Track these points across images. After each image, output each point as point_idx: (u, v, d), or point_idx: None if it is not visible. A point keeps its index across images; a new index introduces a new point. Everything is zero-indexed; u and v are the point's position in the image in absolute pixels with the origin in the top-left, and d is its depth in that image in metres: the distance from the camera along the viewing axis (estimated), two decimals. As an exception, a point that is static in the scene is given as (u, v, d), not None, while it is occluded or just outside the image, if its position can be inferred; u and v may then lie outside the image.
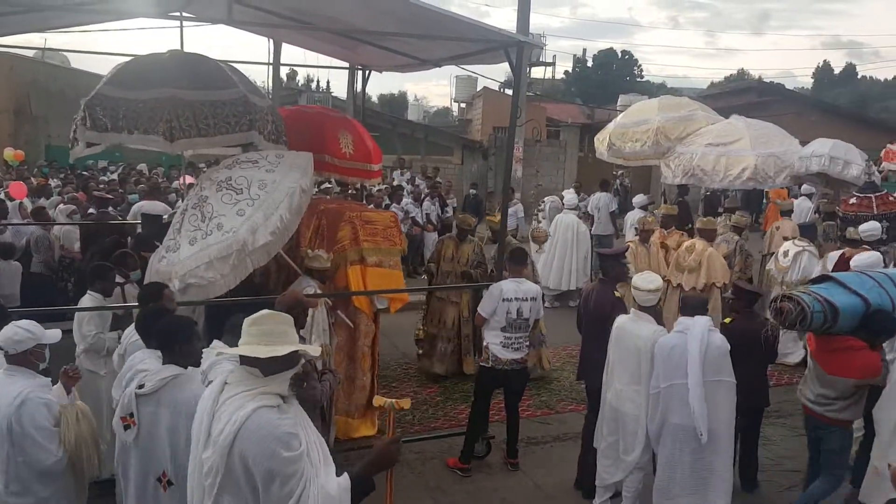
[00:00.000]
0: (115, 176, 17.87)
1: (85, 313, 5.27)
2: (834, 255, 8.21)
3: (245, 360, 2.73)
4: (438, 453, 6.35)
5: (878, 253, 6.79)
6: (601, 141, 11.04)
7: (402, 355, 8.86)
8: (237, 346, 2.75)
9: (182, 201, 7.20)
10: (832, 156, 9.94)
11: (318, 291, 5.85)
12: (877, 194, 9.18)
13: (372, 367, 6.67)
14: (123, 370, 3.93)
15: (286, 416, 2.64)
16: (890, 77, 69.52)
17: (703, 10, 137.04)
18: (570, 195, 12.04)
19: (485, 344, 6.00)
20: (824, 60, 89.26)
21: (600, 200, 13.76)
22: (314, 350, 3.04)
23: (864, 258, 6.48)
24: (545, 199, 12.96)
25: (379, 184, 16.43)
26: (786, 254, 9.16)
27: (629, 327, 5.11)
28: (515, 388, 6.10)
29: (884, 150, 13.31)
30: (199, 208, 5.30)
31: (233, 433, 2.57)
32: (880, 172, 11.13)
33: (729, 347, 4.82)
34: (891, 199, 9.34)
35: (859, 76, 71.79)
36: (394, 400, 3.80)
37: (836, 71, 72.78)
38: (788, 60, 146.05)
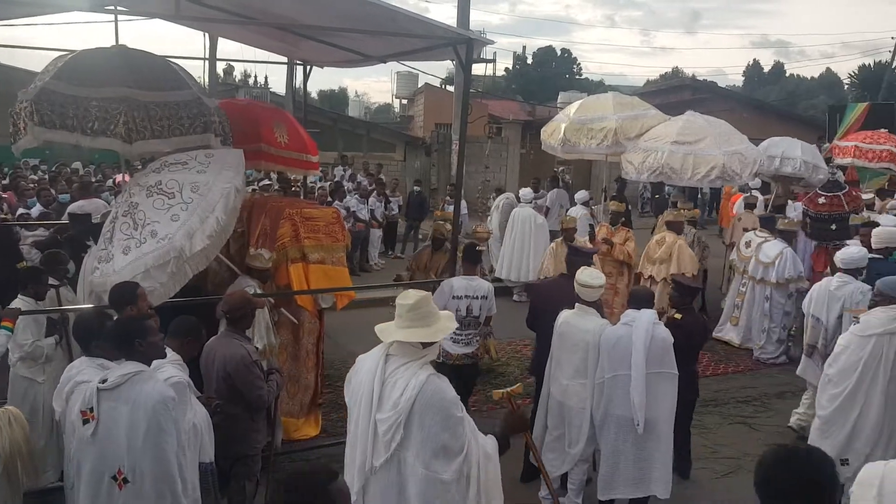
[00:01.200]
0: (45, 174, 17.20)
1: (19, 321, 5.06)
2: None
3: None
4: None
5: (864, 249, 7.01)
6: (550, 134, 11.10)
7: (347, 354, 8.78)
8: (176, 350, 3.19)
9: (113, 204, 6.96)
10: (805, 160, 10.64)
11: (259, 290, 5.76)
12: (843, 192, 9.57)
13: (316, 365, 6.60)
14: (62, 381, 3.83)
15: (448, 384, 3.16)
16: (816, 75, 72.17)
17: (638, 8, 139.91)
18: (525, 190, 12.18)
19: None
20: (754, 59, 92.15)
21: (556, 196, 14.01)
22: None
23: (852, 252, 6.69)
24: (500, 196, 13.05)
25: (321, 180, 16.37)
26: (748, 244, 9.68)
27: (574, 322, 5.16)
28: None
29: (830, 147, 13.93)
30: (131, 215, 5.10)
31: (413, 396, 3.05)
32: (834, 173, 11.85)
33: (672, 340, 4.92)
34: (854, 194, 9.89)
35: (787, 74, 74.33)
36: (508, 389, 3.92)
37: (766, 69, 75.24)
38: (720, 59, 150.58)
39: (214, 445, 3.98)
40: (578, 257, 5.96)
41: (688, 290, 5.96)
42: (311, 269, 6.31)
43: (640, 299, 5.09)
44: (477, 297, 5.91)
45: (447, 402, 3.10)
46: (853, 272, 6.49)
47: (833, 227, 9.24)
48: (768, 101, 44.08)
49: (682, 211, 9.96)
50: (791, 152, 11.02)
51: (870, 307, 5.30)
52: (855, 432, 4.91)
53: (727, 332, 9.83)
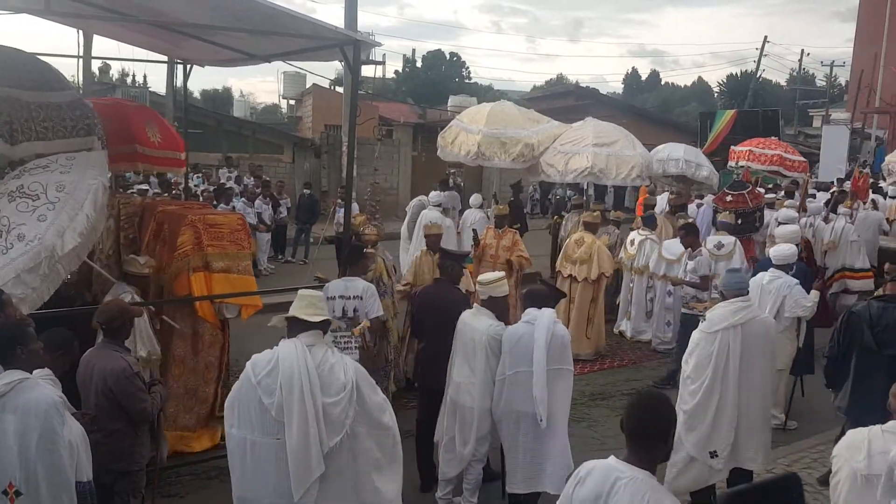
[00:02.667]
0: None
1: None
2: (712, 238, 9.23)
3: (308, 325, 3.69)
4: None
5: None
6: (452, 142, 11.14)
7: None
8: (47, 365, 3.56)
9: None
10: (686, 159, 11.77)
11: (137, 299, 5.50)
12: (747, 191, 10.65)
13: (218, 378, 6.33)
14: None
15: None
16: (688, 83, 76.39)
17: (523, 16, 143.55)
18: (434, 193, 12.19)
19: None
20: (632, 67, 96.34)
21: (448, 198, 14.09)
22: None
23: (783, 249, 7.12)
24: (413, 200, 13.03)
25: (204, 182, 15.81)
26: (632, 242, 10.19)
27: (469, 321, 5.26)
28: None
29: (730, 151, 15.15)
30: (-7, 224, 4.79)
31: (353, 375, 3.57)
32: (737, 173, 13.39)
33: (570, 338, 5.12)
34: (757, 192, 11.04)
35: (663, 82, 78.33)
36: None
37: (643, 77, 78.98)
38: (601, 66, 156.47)
39: (96, 462, 3.78)
40: (451, 260, 6.04)
41: (555, 293, 5.96)
42: (215, 278, 6.03)
43: (539, 298, 5.21)
44: (350, 297, 5.83)
45: (366, 373, 3.70)
46: (784, 267, 6.95)
47: (739, 221, 10.09)
48: (646, 107, 46.29)
49: (595, 213, 10.25)
50: (674, 153, 12.15)
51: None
52: (716, 424, 5.12)
53: (623, 324, 10.40)
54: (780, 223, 9.16)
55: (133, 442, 4.43)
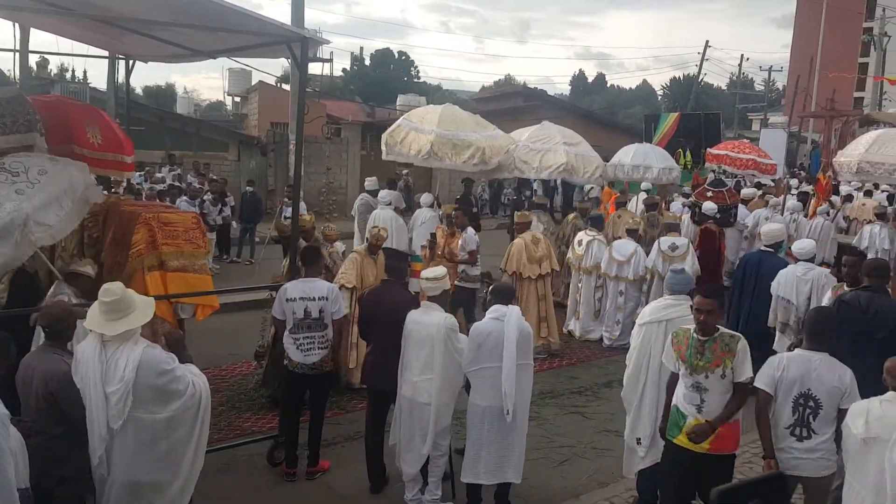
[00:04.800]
0: None
1: None
2: (666, 240, 9.88)
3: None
4: (217, 467, 6.02)
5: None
6: (401, 141, 11.10)
7: (206, 363, 8.32)
8: None
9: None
10: (633, 164, 12.34)
11: (75, 300, 5.32)
12: (725, 189, 11.61)
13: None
14: None
15: (160, 350, 4.02)
16: (633, 86, 77.89)
17: (471, 16, 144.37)
18: (383, 192, 12.12)
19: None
20: (579, 69, 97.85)
21: (394, 198, 13.95)
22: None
23: (804, 244, 7.71)
24: (357, 198, 12.93)
25: (146, 181, 15.40)
26: (580, 242, 10.38)
27: (420, 318, 5.31)
28: (315, 392, 5.98)
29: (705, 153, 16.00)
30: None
31: (134, 368, 3.81)
32: (717, 172, 14.30)
33: (532, 333, 5.31)
34: (733, 191, 12.09)
35: (609, 85, 79.65)
36: None
37: (590, 79, 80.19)
38: (549, 68, 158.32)
39: (37, 467, 3.73)
40: (397, 261, 6.10)
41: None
42: (170, 277, 5.83)
43: (506, 294, 5.37)
44: (314, 299, 5.76)
45: (158, 361, 3.91)
46: (810, 260, 7.51)
47: (717, 216, 10.88)
48: (593, 109, 46.96)
49: (525, 213, 10.37)
50: (624, 159, 12.61)
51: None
52: (640, 413, 5.39)
53: (572, 324, 10.51)
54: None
55: (74, 447, 4.29)
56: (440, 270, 5.48)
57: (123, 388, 3.82)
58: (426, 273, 5.43)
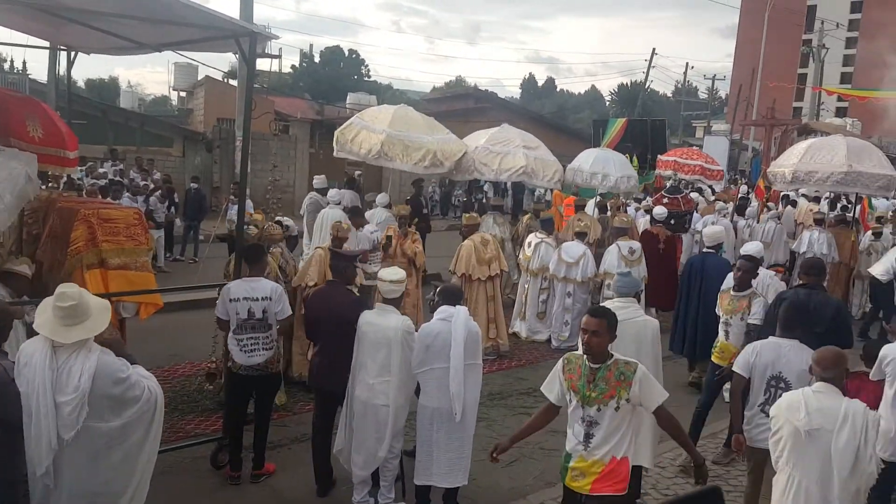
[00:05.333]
0: None
1: None
2: (616, 247, 10.12)
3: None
4: (160, 470, 5.88)
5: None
6: (352, 140, 11.04)
7: (147, 364, 8.09)
8: None
9: None
10: (592, 171, 12.57)
11: (8, 298, 5.12)
12: (681, 196, 12.18)
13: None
14: None
15: (114, 357, 3.79)
16: (582, 91, 79.00)
17: (423, 16, 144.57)
18: (333, 191, 12.01)
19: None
20: (530, 73, 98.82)
21: (344, 198, 13.78)
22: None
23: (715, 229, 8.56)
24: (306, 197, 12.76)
25: (87, 176, 14.96)
26: (529, 244, 10.50)
27: (375, 320, 5.25)
28: (260, 394, 5.87)
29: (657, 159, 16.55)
30: None
31: (90, 377, 3.59)
32: (677, 181, 15.11)
33: (480, 334, 5.30)
34: (689, 197, 12.76)
35: (558, 89, 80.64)
36: None
37: (540, 83, 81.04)
38: (500, 70, 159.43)
39: None
40: (342, 262, 5.98)
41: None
42: (111, 275, 5.67)
43: (453, 295, 5.35)
44: (258, 299, 5.64)
45: (114, 369, 3.70)
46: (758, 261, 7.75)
47: (672, 221, 11.44)
48: (543, 113, 47.42)
49: (473, 215, 10.38)
50: (584, 165, 12.88)
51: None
52: None
53: (517, 325, 10.57)
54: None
55: (11, 449, 4.13)
56: (400, 273, 5.41)
57: (79, 398, 3.60)
58: (385, 275, 5.34)
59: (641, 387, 3.89)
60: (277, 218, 7.96)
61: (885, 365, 4.97)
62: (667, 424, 4.07)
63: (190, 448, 6.15)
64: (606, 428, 3.93)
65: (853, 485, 3.72)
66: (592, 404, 3.93)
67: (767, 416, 4.59)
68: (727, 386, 6.36)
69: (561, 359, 4.20)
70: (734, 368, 5.08)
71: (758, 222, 13.49)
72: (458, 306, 5.21)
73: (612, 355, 3.99)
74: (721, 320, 6.66)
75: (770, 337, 5.08)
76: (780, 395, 4.59)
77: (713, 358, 6.61)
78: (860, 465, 3.71)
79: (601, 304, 5.55)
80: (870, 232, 13.16)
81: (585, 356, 3.99)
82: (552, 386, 4.18)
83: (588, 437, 3.96)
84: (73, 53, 7.86)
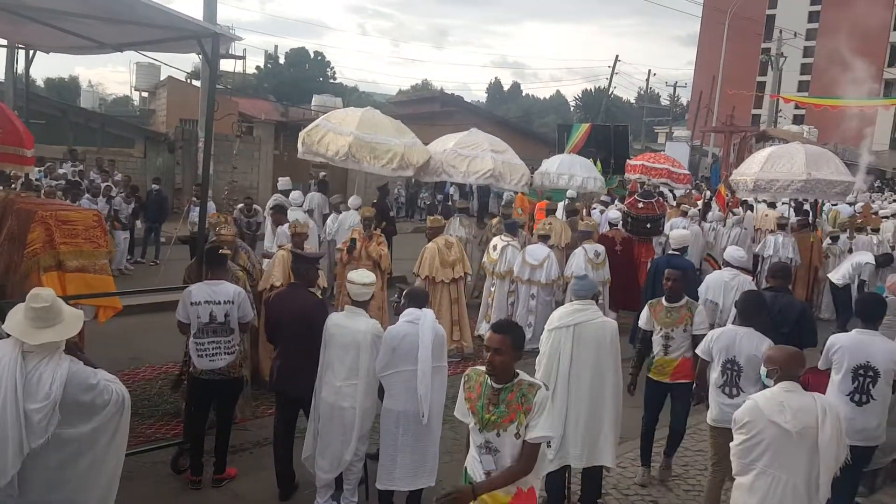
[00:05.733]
0: None
1: None
2: (583, 250, 10.35)
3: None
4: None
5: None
6: (318, 141, 11.01)
7: (107, 368, 7.95)
8: None
9: None
10: (559, 173, 12.81)
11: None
12: (655, 199, 12.13)
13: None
14: None
15: (83, 365, 3.70)
16: (547, 96, 79.66)
17: (388, 19, 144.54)
18: (296, 193, 11.95)
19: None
20: (496, 77, 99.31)
21: (312, 200, 13.67)
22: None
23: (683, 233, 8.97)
24: (270, 199, 12.64)
25: (46, 176, 14.67)
26: (495, 247, 10.57)
27: (344, 323, 5.23)
28: (222, 399, 5.81)
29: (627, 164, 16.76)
30: None
31: (61, 384, 3.50)
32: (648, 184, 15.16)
33: (445, 336, 5.32)
34: (662, 201, 12.71)
35: (524, 94, 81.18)
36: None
37: (506, 88, 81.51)
38: (466, 74, 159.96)
39: None
40: (303, 264, 5.95)
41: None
42: (69, 277, 5.58)
43: (419, 298, 5.34)
44: (220, 303, 5.58)
45: (84, 377, 3.61)
46: (738, 267, 7.99)
47: (648, 225, 11.49)
48: (508, 117, 47.71)
49: (437, 217, 10.46)
50: (550, 168, 13.14)
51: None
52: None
53: (483, 328, 10.51)
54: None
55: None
56: (370, 276, 5.40)
57: (50, 405, 3.50)
58: (355, 278, 5.29)
59: (535, 411, 3.47)
60: (254, 207, 8.01)
61: (833, 353, 5.31)
62: (523, 463, 3.53)
63: (150, 453, 6.08)
64: (509, 456, 3.54)
65: (831, 474, 3.84)
66: (491, 429, 3.53)
67: (729, 395, 5.25)
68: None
69: (468, 372, 3.82)
70: (697, 352, 5.59)
71: (724, 226, 13.89)
72: (424, 309, 5.21)
73: (518, 374, 3.60)
74: (659, 333, 6.09)
75: (728, 324, 5.66)
76: (735, 377, 5.25)
77: (651, 374, 6.18)
78: (840, 455, 3.86)
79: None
80: (828, 237, 13.62)
81: (488, 376, 3.61)
82: (464, 408, 3.71)
83: (492, 465, 3.56)
84: (31, 52, 7.75)
